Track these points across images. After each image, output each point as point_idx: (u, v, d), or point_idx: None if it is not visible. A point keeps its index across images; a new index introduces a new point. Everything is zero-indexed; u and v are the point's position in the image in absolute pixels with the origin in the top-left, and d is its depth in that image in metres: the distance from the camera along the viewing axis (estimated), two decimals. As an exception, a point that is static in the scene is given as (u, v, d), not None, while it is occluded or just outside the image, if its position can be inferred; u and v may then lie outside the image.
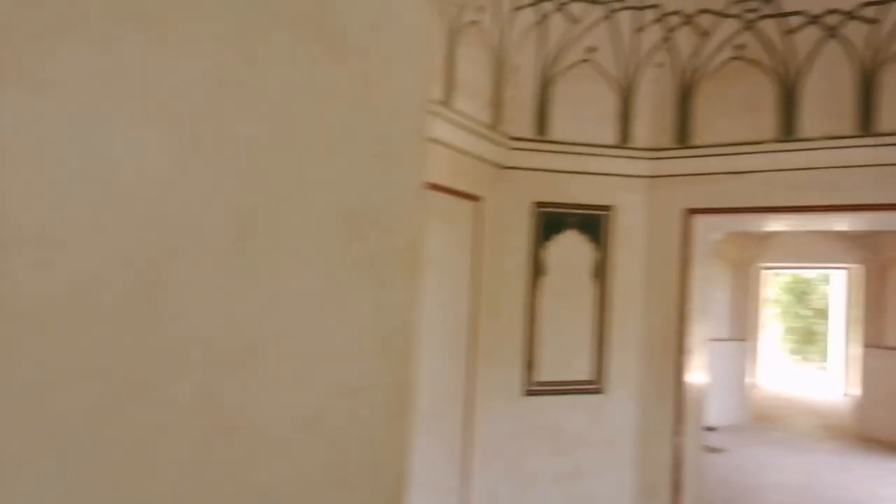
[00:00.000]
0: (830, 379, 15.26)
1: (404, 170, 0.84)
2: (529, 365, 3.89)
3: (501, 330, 3.83)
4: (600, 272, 4.03)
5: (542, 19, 3.73)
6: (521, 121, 3.84)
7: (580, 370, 4.00)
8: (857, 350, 10.08)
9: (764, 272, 13.56)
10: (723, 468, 7.66)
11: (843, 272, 12.93)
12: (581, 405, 3.99)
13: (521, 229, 3.87)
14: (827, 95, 3.69)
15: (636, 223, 4.10)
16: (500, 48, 3.65)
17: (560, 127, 3.92)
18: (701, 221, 4.12)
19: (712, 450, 8.42)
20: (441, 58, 3.28)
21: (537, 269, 3.92)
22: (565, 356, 3.97)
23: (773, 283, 19.91)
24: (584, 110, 3.95)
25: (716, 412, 9.73)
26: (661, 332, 4.06)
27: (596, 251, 4.02)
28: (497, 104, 3.66)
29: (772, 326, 19.11)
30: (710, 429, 9.47)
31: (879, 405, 9.26)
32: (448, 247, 3.47)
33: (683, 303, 4.00)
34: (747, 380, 10.29)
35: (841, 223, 4.41)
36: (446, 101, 3.29)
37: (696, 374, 4.50)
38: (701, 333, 4.64)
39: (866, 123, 3.59)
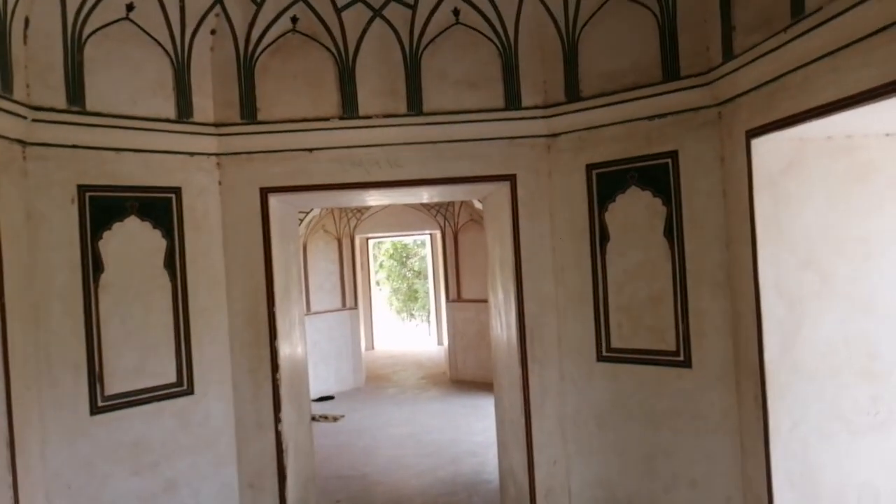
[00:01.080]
0: (430, 333, 17.35)
1: None
2: (96, 377, 3.32)
3: (50, 341, 3.17)
4: (172, 262, 3.63)
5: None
6: (47, 88, 3.18)
7: (162, 373, 3.57)
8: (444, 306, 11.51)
9: (367, 242, 14.58)
10: (340, 435, 7.98)
11: (429, 237, 14.65)
12: (166, 412, 3.57)
13: (63, 219, 3.24)
14: (381, 74, 3.88)
15: (209, 205, 3.80)
16: (9, -2, 2.93)
17: (104, 97, 3.36)
18: (278, 200, 4.01)
19: (329, 419, 8.72)
20: None
21: (95, 264, 3.34)
22: (142, 360, 3.49)
23: (378, 250, 21.66)
24: (133, 79, 3.46)
25: (333, 381, 10.15)
26: (248, 318, 3.86)
27: (165, 238, 3.61)
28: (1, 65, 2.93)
29: (380, 290, 20.78)
30: (328, 398, 9.85)
31: (464, 351, 10.73)
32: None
33: (269, 285, 3.86)
34: (361, 345, 10.93)
35: (410, 196, 4.78)
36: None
37: (296, 351, 4.45)
38: (296, 311, 4.60)
39: (417, 102, 3.88)
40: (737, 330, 3.24)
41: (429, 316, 19.56)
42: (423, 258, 22.29)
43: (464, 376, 10.64)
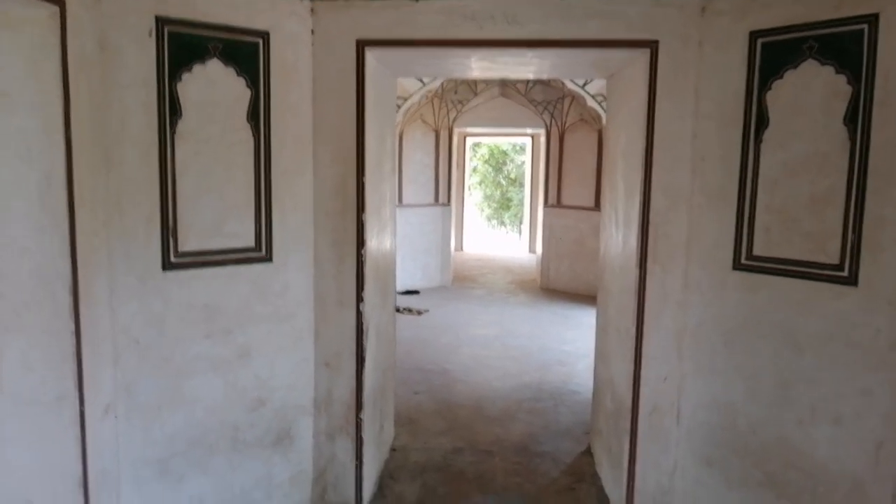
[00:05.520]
0: (521, 241, 16.87)
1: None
2: (170, 231, 3.06)
3: (122, 188, 2.91)
4: (256, 115, 3.26)
5: None
6: None
7: (239, 235, 3.28)
8: (540, 212, 10.95)
9: (466, 141, 14.02)
10: (423, 329, 7.79)
11: (530, 140, 13.90)
12: (242, 277, 3.31)
13: (139, 53, 2.89)
14: None
15: (299, 56, 3.36)
16: None
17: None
18: (376, 58, 3.53)
19: (413, 312, 8.54)
20: None
21: (172, 108, 3.01)
22: (218, 219, 3.20)
23: (473, 154, 21.06)
24: None
25: (420, 276, 9.95)
26: (335, 186, 3.48)
27: (250, 88, 3.22)
28: None
29: (471, 195, 20.35)
30: (413, 292, 9.68)
31: (558, 259, 10.22)
32: (13, 70, 2.39)
33: (360, 153, 3.45)
34: (451, 243, 10.64)
35: (525, 66, 4.16)
36: None
37: (384, 230, 4.09)
38: (388, 188, 4.21)
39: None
40: (930, 243, 2.55)
41: (521, 224, 19.07)
42: (519, 165, 21.58)
43: (556, 285, 10.19)
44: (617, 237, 3.90)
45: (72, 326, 2.65)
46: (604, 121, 8.78)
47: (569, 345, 7.24)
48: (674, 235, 3.34)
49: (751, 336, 3.13)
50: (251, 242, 3.32)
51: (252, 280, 3.34)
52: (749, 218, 3.11)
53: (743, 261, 3.14)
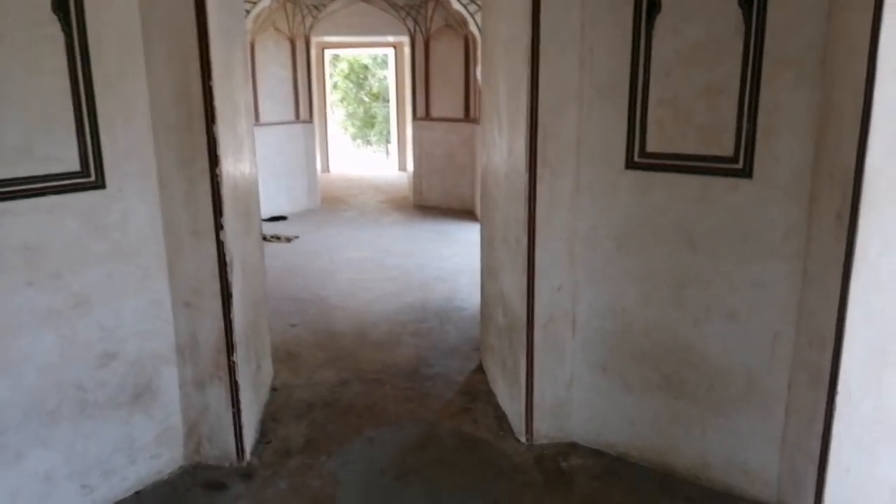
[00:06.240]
0: (389, 159, 16.42)
1: None
2: (-40, 158, 2.40)
3: None
4: (66, 4, 2.58)
5: None
6: None
7: (58, 159, 2.65)
8: (407, 127, 10.54)
9: (323, 53, 13.13)
10: (294, 256, 7.31)
11: (393, 52, 13.27)
12: (68, 209, 2.71)
13: None
14: None
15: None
16: None
17: None
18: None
19: (282, 239, 8.01)
20: None
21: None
22: (28, 139, 2.56)
23: (333, 70, 19.98)
24: None
25: (285, 200, 9.31)
26: (176, 93, 2.90)
27: (51, -33, 2.53)
28: None
29: (335, 113, 19.46)
30: (280, 218, 9.08)
31: (430, 174, 9.94)
32: None
33: (203, 49, 2.86)
34: (317, 164, 10.03)
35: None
36: None
37: (241, 147, 3.56)
38: (241, 96, 3.65)
39: None
40: (824, 128, 2.48)
41: (387, 141, 18.55)
42: (382, 80, 20.79)
43: (429, 201, 9.96)
44: (500, 143, 3.63)
45: None
46: (470, 26, 8.40)
47: (447, 261, 7.08)
48: (563, 136, 3.11)
49: (645, 238, 3.02)
50: (75, 166, 2.71)
51: (81, 212, 2.75)
52: (641, 113, 2.93)
53: (636, 158, 2.98)
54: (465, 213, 9.39)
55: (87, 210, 2.76)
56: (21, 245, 2.59)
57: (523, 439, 3.44)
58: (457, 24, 9.11)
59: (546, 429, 3.43)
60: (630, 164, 3.00)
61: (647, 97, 2.90)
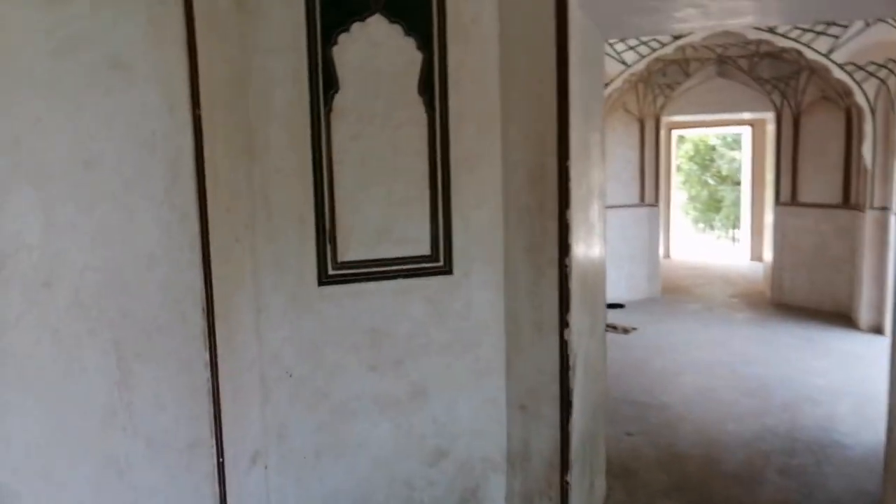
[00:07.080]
0: (738, 247, 14.84)
1: None
2: (327, 235, 2.44)
3: (269, 181, 2.33)
4: (431, 86, 2.54)
5: None
6: None
7: (411, 241, 2.58)
8: (766, 212, 9.26)
9: (670, 134, 12.57)
10: (632, 350, 6.69)
11: (749, 130, 12.12)
12: (416, 294, 2.60)
13: (285, 11, 2.30)
14: None
15: (481, 4, 2.59)
16: None
17: None
18: (580, 4, 2.64)
19: (619, 330, 7.46)
20: None
21: (327, 79, 2.38)
22: (386, 220, 2.53)
23: (677, 151, 19.21)
24: None
25: (624, 287, 8.78)
26: (531, 175, 2.65)
27: (421, 51, 2.51)
28: None
29: (676, 195, 18.54)
30: (617, 305, 8.55)
31: (794, 268, 8.51)
32: (134, 35, 1.87)
33: (562, 128, 2.58)
34: (659, 249, 9.38)
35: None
36: None
37: (592, 232, 3.19)
38: (596, 176, 3.30)
39: None
40: None
41: (735, 227, 16.96)
42: (730, 161, 19.34)
43: (791, 300, 8.48)
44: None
45: (205, 356, 2.09)
46: (855, 96, 7.07)
47: (820, 377, 5.73)
48: None
49: None
50: (426, 249, 2.60)
51: (427, 298, 2.62)
52: None
53: None
54: (840, 317, 7.74)
55: (432, 296, 2.62)
56: (368, 328, 2.53)
57: None
58: (836, 96, 7.79)
59: None
60: None
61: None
